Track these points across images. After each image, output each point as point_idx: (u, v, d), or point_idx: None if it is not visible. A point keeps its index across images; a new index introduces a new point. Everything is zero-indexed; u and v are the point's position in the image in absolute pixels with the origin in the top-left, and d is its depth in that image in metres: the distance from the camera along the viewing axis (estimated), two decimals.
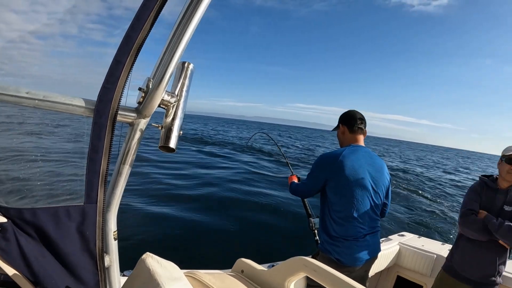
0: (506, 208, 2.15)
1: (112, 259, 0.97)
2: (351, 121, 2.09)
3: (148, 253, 0.72)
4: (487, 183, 2.30)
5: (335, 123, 2.23)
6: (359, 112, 2.11)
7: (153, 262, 0.70)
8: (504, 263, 2.24)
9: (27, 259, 0.72)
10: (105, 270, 0.90)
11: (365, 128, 2.10)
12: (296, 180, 2.38)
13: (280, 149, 3.30)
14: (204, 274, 0.76)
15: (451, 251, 2.49)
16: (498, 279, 2.25)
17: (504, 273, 2.51)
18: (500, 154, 2.28)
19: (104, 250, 0.90)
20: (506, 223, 2.08)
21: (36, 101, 0.69)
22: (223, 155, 15.95)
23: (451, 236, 7.08)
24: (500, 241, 2.13)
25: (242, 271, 0.88)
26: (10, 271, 0.69)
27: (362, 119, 2.10)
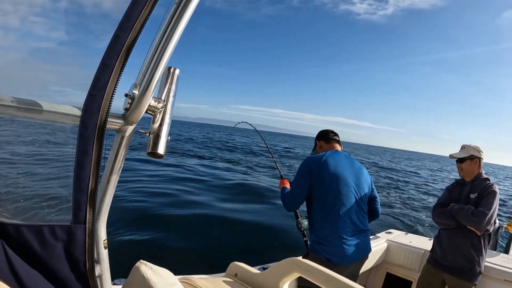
0: (472, 195, 2.43)
1: (103, 268, 0.95)
2: (325, 136, 2.33)
3: (141, 260, 0.71)
4: (457, 180, 2.68)
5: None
6: (330, 129, 2.35)
7: (147, 269, 0.69)
8: (479, 250, 2.36)
9: (16, 274, 0.68)
10: (96, 280, 0.89)
11: (338, 139, 2.31)
12: (287, 186, 2.40)
13: (270, 151, 3.34)
14: (199, 279, 0.76)
15: (433, 243, 2.66)
16: (478, 267, 2.35)
17: (486, 263, 2.60)
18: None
19: (95, 259, 0.88)
20: (465, 206, 2.35)
21: (22, 109, 0.67)
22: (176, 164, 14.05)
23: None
24: (470, 227, 2.33)
25: (236, 275, 0.88)
26: (1, 285, 0.67)
27: (334, 133, 2.33)
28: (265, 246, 5.21)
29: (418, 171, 30.14)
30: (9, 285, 0.67)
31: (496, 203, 2.31)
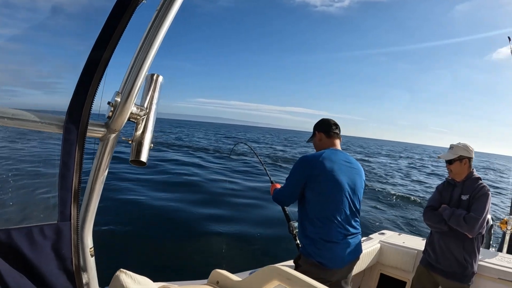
0: (463, 197, 2.40)
1: (90, 276, 0.96)
2: (326, 128, 2.16)
3: (121, 269, 0.71)
4: (448, 180, 2.60)
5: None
6: (332, 119, 2.19)
7: (127, 278, 0.69)
8: (472, 252, 2.35)
9: (4, 282, 0.70)
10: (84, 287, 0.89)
11: (340, 132, 2.18)
12: (278, 187, 2.34)
13: (258, 158, 3.28)
14: (178, 287, 0.76)
15: (425, 245, 2.64)
16: (471, 268, 2.34)
17: (480, 262, 2.61)
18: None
19: (82, 267, 0.89)
20: (457, 211, 2.32)
21: (5, 119, 0.68)
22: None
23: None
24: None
25: (218, 282, 0.87)
26: None
27: (337, 125, 2.18)
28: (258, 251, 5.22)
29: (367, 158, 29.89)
30: None
31: (488, 205, 2.28)
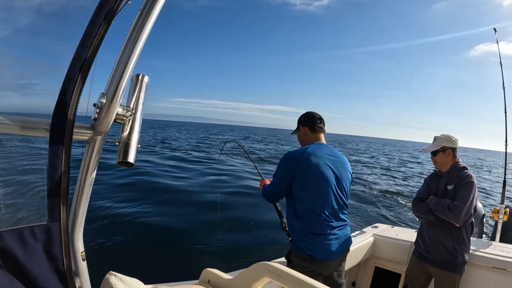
0: (449, 187, 2.45)
1: (83, 280, 0.95)
2: (311, 122, 2.17)
3: (111, 271, 0.71)
4: (434, 171, 2.66)
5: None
6: (317, 113, 2.21)
7: (117, 281, 0.68)
8: (461, 240, 2.38)
9: None
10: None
11: (324, 126, 2.19)
12: (268, 183, 2.36)
13: (248, 155, 3.31)
14: None
15: (416, 237, 2.69)
16: (461, 257, 2.38)
17: (473, 252, 2.64)
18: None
19: (74, 272, 0.88)
20: (442, 201, 2.37)
21: None
22: None
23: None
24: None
25: (209, 281, 0.87)
26: None
27: (321, 119, 2.19)
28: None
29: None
30: None
31: (473, 193, 2.31)
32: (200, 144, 28.63)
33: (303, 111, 2.27)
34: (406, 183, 15.05)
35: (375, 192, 11.50)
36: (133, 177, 9.69)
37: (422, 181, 2.74)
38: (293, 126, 2.28)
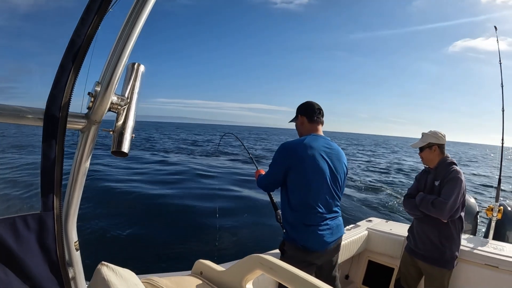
0: (436, 183, 2.46)
1: (76, 271, 0.94)
2: (310, 113, 2.15)
3: (103, 262, 0.70)
4: (424, 168, 2.70)
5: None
6: (316, 103, 2.18)
7: (108, 271, 0.68)
8: (449, 236, 2.39)
9: None
10: (70, 282, 0.88)
11: (322, 118, 2.18)
12: (263, 173, 2.36)
13: (244, 146, 3.31)
14: (161, 279, 0.75)
15: (408, 232, 2.73)
16: (450, 253, 2.39)
17: (466, 248, 2.66)
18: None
19: (67, 261, 0.88)
20: (427, 197, 2.40)
21: None
22: None
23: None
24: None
25: (201, 273, 0.87)
26: None
27: (320, 109, 2.17)
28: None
29: None
30: None
31: (458, 188, 2.31)
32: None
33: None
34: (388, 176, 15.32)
35: (367, 185, 11.64)
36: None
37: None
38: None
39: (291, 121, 2.27)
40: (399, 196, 10.14)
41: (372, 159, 26.07)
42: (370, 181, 12.86)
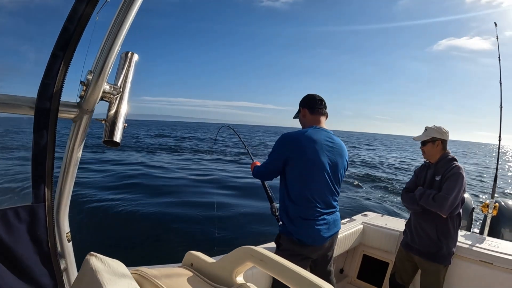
0: (436, 178, 2.45)
1: (68, 262, 0.94)
2: (311, 103, 2.12)
3: (91, 252, 0.70)
4: (424, 163, 2.68)
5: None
6: (318, 95, 2.15)
7: (97, 261, 0.67)
8: (447, 232, 2.39)
9: None
10: (62, 273, 0.88)
11: (325, 109, 2.14)
12: (258, 165, 2.32)
13: (241, 139, 3.30)
14: (150, 270, 0.74)
15: (405, 227, 2.72)
16: (446, 249, 2.40)
17: (461, 244, 2.67)
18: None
19: (59, 253, 0.87)
20: (428, 191, 2.39)
21: None
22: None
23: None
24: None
25: (192, 264, 0.86)
26: None
27: (322, 100, 2.14)
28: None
29: None
30: None
31: (460, 184, 2.30)
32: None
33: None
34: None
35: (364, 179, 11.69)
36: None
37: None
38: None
39: (295, 117, 2.24)
40: (395, 190, 10.17)
41: (362, 153, 26.49)
42: (363, 175, 12.89)
